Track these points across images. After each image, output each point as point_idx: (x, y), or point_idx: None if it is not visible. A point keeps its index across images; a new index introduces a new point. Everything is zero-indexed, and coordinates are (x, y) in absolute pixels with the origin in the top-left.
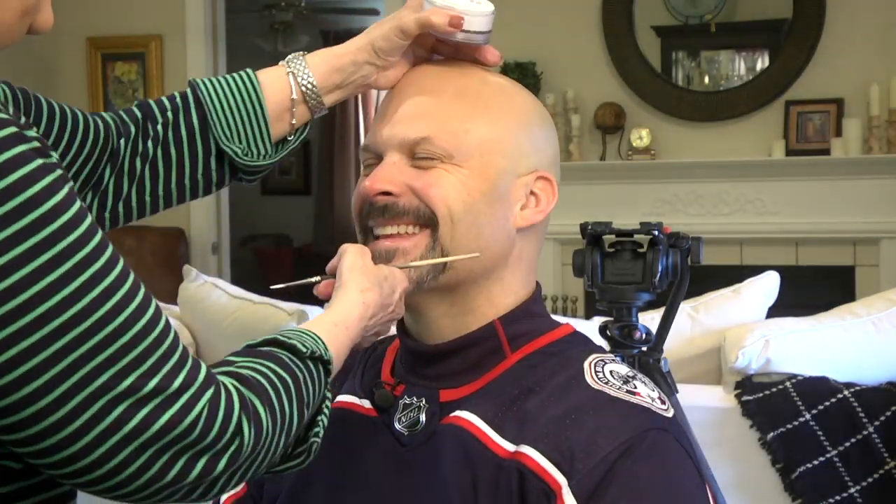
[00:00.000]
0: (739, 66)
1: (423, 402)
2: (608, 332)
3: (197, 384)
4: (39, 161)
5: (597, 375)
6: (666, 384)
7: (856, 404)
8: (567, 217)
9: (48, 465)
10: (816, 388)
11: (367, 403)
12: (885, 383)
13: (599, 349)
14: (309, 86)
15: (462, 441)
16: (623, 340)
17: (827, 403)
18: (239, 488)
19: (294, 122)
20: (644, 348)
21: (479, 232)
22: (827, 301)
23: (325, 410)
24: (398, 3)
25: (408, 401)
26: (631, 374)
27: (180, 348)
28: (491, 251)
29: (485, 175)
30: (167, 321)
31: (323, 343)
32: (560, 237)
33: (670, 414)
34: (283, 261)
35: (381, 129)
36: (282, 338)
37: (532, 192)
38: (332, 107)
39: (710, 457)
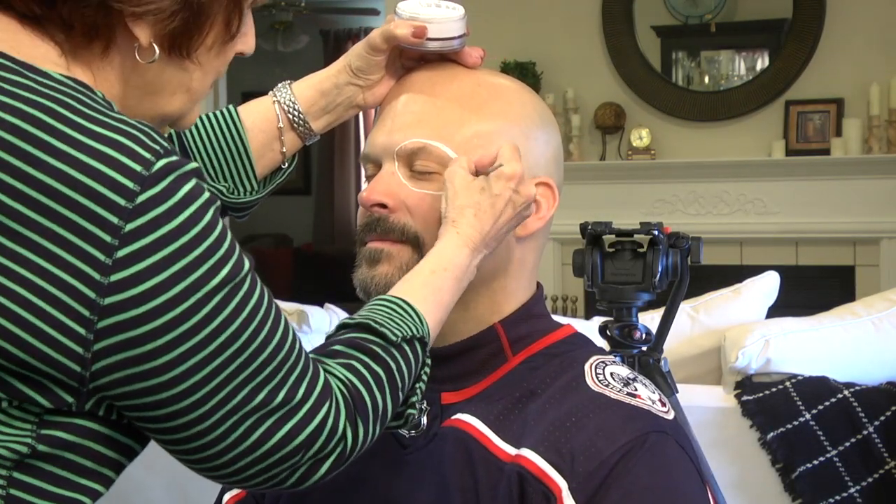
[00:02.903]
0: (739, 66)
1: (425, 404)
2: (608, 332)
3: (315, 394)
4: (207, 194)
5: (597, 378)
6: (666, 384)
7: (856, 404)
8: (567, 217)
9: (186, 460)
10: (816, 388)
11: None
12: (885, 383)
13: (600, 350)
14: (294, 112)
15: (463, 444)
16: (623, 340)
17: (827, 403)
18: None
19: (284, 150)
20: (644, 348)
21: None
22: (827, 301)
23: (423, 377)
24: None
25: None
26: (631, 376)
27: (303, 357)
28: (490, 265)
29: None
30: (292, 330)
31: (415, 314)
32: (560, 237)
33: (671, 416)
34: (283, 261)
35: (377, 138)
36: (374, 324)
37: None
38: (323, 132)
39: (710, 457)
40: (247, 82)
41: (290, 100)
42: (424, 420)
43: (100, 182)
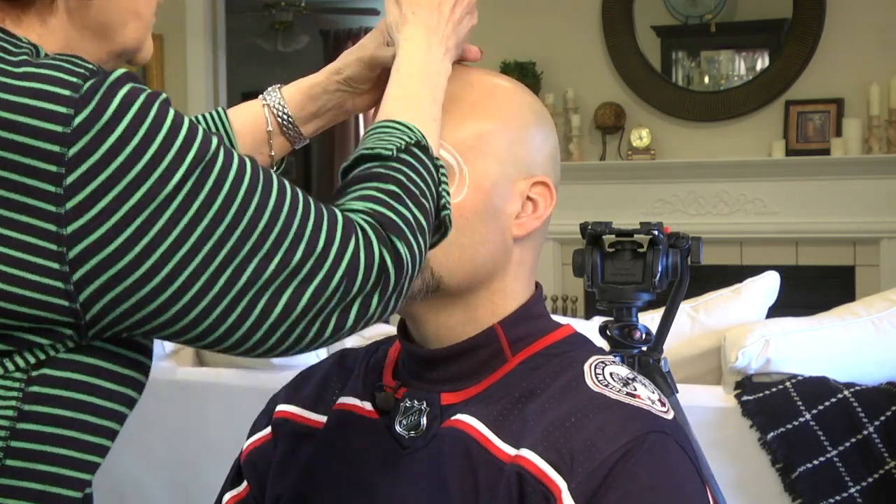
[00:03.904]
0: (739, 66)
1: (424, 405)
2: (608, 332)
3: (339, 234)
4: (146, 92)
5: (597, 378)
6: (666, 384)
7: (856, 404)
8: (567, 217)
9: (223, 349)
10: (816, 388)
11: (368, 405)
12: (885, 383)
13: (600, 350)
14: (284, 116)
15: (463, 444)
16: (623, 340)
17: (827, 403)
18: (241, 489)
19: (273, 153)
20: (644, 348)
21: (474, 251)
22: (827, 301)
23: (444, 180)
24: None
25: (409, 404)
26: (631, 376)
27: (312, 206)
28: (488, 267)
29: (478, 186)
30: (289, 185)
31: (399, 125)
32: (560, 237)
33: (670, 416)
34: None
35: None
36: (365, 151)
37: (529, 198)
38: (312, 136)
39: (710, 457)
40: (247, 82)
41: (280, 103)
42: (424, 421)
43: (33, 116)
